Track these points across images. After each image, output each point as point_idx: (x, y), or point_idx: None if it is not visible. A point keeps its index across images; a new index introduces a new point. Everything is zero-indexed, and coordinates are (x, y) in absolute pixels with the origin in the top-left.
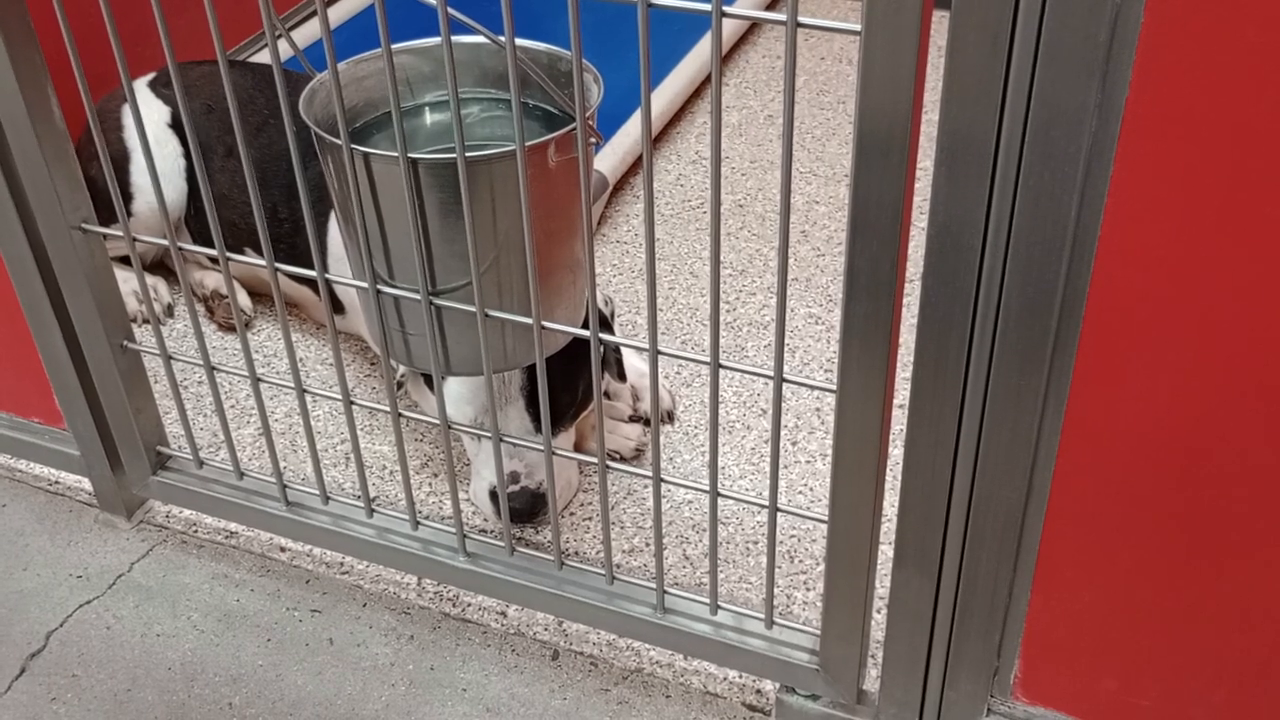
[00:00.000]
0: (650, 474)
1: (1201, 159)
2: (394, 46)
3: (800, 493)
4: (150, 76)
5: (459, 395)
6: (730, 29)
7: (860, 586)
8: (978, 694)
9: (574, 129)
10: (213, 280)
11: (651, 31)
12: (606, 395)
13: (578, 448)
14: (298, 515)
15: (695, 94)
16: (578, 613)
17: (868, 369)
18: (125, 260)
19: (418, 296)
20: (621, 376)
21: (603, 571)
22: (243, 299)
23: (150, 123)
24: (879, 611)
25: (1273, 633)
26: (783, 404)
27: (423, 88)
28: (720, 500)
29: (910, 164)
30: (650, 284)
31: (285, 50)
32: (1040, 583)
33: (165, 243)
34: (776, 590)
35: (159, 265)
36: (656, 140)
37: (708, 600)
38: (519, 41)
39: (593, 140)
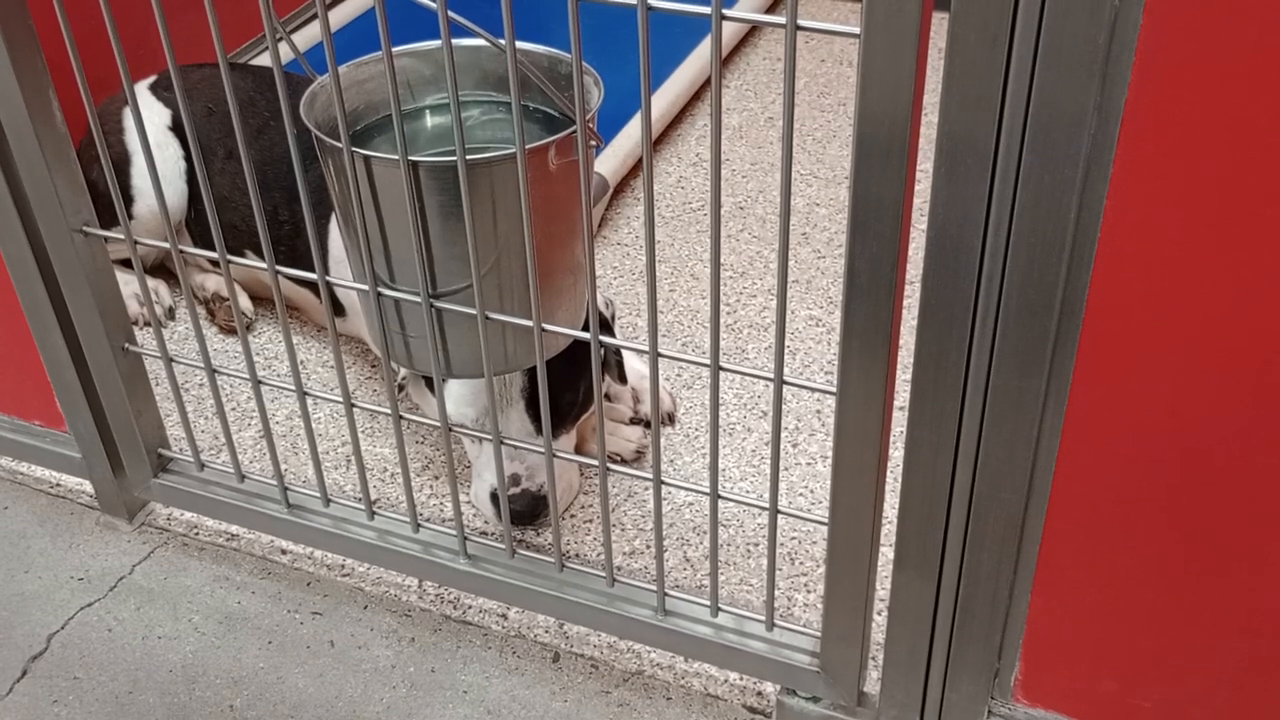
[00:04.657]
0: (651, 476)
1: (1201, 160)
2: (394, 49)
3: (801, 495)
4: (151, 79)
5: (460, 397)
6: (730, 31)
7: (861, 588)
8: (978, 696)
9: (574, 132)
10: (214, 283)
11: (652, 34)
12: (607, 397)
13: (578, 450)
14: (299, 518)
15: (696, 96)
16: (578, 615)
17: (868, 371)
18: (126, 263)
19: (418, 299)
20: (622, 379)
21: (603, 574)
22: (243, 302)
23: (151, 125)
24: (880, 613)
25: (1273, 634)
26: (783, 406)
27: (423, 90)
28: (721, 502)
29: (910, 166)
30: (651, 286)
31: (286, 53)
32: (1041, 584)
33: (166, 245)
34: (777, 592)
35: (160, 268)
36: (657, 143)
37: (708, 602)
38: (519, 44)
39: (593, 143)
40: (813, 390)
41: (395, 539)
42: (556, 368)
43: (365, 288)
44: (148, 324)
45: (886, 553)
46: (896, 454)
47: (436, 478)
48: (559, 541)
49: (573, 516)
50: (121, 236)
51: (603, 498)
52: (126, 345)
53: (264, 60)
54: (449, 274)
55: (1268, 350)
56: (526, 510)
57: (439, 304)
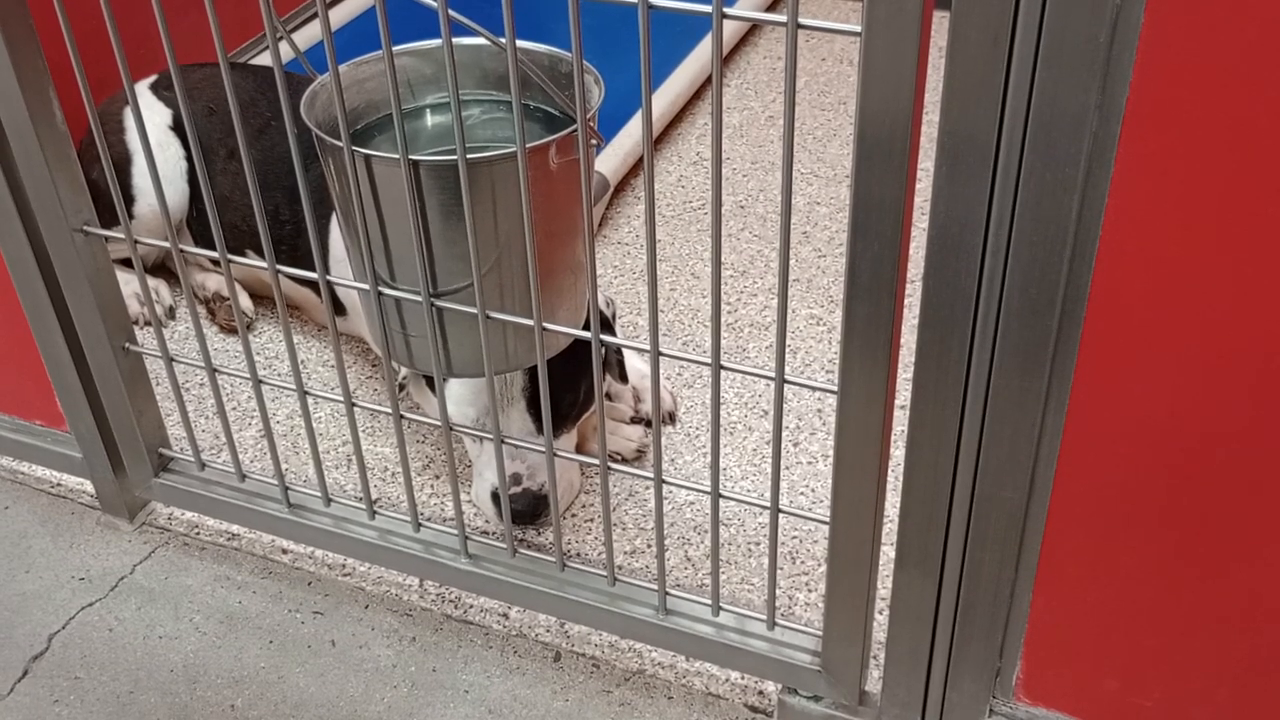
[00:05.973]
0: (652, 475)
1: (1202, 159)
2: (395, 48)
3: (802, 494)
4: (152, 79)
5: (460, 397)
6: (731, 30)
7: (862, 587)
8: (980, 695)
9: (575, 130)
10: (214, 282)
11: (652, 33)
12: (608, 397)
13: (579, 449)
14: (299, 517)
15: (696, 95)
16: (580, 614)
17: (869, 370)
18: (127, 262)
19: (419, 298)
20: (623, 378)
21: (604, 573)
22: (244, 301)
23: (152, 125)
24: (881, 612)
25: (1275, 633)
26: (784, 405)
27: (424, 89)
28: (722, 501)
29: (911, 165)
30: (651, 285)
31: (287, 52)
32: (1042, 583)
33: (167, 245)
34: (778, 591)
35: (160, 267)
36: (657, 142)
37: (710, 601)
38: (520, 43)
39: (594, 142)
40: (814, 389)
41: (396, 538)
42: (557, 367)
43: (366, 287)
44: (148, 323)
45: (888, 552)
46: (898, 453)
47: (437, 477)
48: (560, 541)
49: (574, 516)
50: (122, 236)
51: (604, 497)
52: (127, 345)
53: (264, 59)
54: (449, 273)
55: (1268, 350)
56: (527, 509)
57: (440, 303)
